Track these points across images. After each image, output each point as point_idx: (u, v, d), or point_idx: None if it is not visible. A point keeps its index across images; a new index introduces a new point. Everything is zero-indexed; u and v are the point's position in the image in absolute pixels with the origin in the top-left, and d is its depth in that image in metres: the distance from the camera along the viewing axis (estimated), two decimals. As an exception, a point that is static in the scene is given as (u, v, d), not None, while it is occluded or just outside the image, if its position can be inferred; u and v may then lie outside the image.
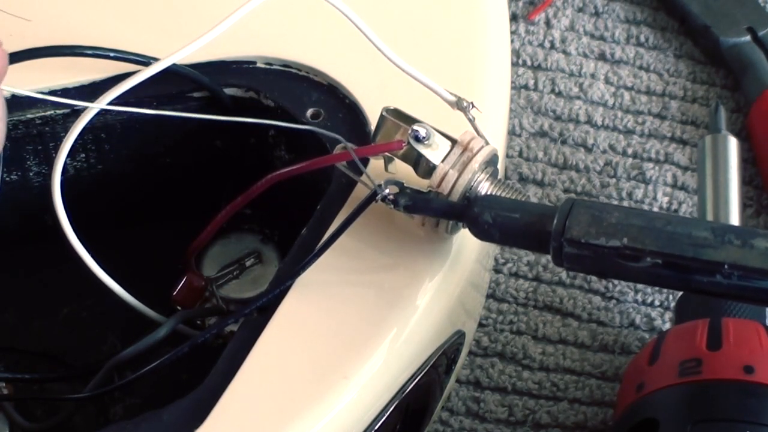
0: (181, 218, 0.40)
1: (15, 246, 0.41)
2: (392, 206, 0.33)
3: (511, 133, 0.55)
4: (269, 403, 0.32)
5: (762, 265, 0.28)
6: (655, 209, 0.53)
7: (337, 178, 0.36)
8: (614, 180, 0.54)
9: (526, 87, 0.57)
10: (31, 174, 0.40)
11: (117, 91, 0.36)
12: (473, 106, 0.35)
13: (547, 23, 0.59)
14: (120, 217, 0.43)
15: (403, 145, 0.34)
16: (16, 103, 0.37)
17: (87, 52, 0.38)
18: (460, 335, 0.38)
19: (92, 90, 0.38)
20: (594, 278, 0.51)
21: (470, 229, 0.33)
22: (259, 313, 0.34)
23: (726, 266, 0.29)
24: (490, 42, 0.41)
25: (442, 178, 0.33)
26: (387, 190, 0.33)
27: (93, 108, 0.36)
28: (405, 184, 0.33)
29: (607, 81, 0.57)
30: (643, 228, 0.30)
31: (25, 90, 0.36)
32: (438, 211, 0.33)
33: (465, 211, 0.33)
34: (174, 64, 0.36)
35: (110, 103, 0.36)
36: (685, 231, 0.30)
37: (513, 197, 0.34)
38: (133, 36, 0.39)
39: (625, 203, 0.53)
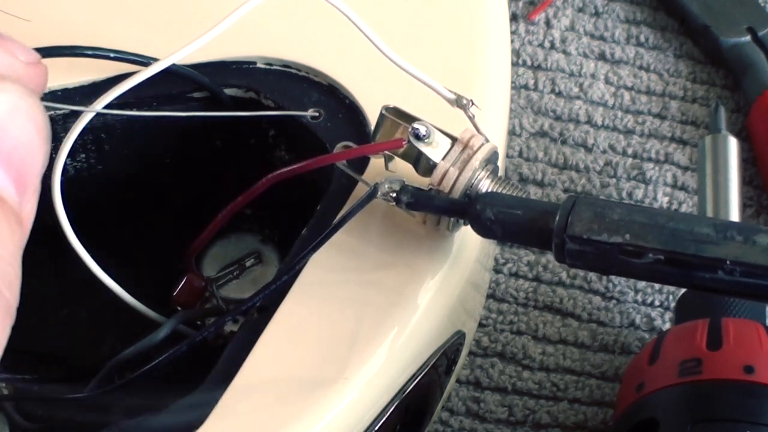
0: (181, 218, 0.40)
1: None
2: (394, 204, 0.33)
3: (511, 133, 0.55)
4: (270, 403, 0.32)
5: (764, 261, 0.28)
6: (655, 209, 0.53)
7: (337, 178, 0.36)
8: (614, 180, 0.54)
9: (526, 87, 0.57)
10: (31, 174, 0.40)
11: (116, 91, 0.36)
12: (473, 103, 0.35)
13: (547, 23, 0.59)
14: (120, 217, 0.43)
15: (404, 143, 0.34)
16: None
17: (87, 52, 0.38)
18: (460, 335, 0.38)
19: (92, 90, 0.38)
20: (594, 278, 0.51)
21: (472, 226, 0.33)
22: (259, 313, 0.34)
23: (728, 262, 0.29)
24: (490, 42, 0.41)
25: (443, 176, 0.33)
26: (388, 187, 0.33)
27: (90, 111, 0.36)
28: (406, 182, 0.33)
29: (607, 81, 0.57)
30: (645, 224, 0.30)
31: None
32: (440, 208, 0.33)
33: (467, 208, 0.33)
34: (174, 65, 0.36)
35: (108, 106, 0.36)
36: (687, 227, 0.30)
37: (513, 194, 0.34)
38: (133, 36, 0.39)
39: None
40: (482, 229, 0.33)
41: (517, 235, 0.32)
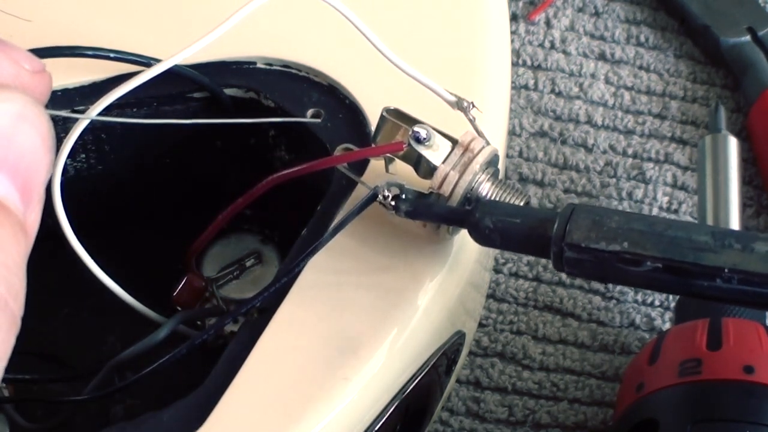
0: (181, 218, 0.40)
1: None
2: (393, 212, 0.33)
3: (511, 133, 0.55)
4: (270, 403, 0.32)
5: (762, 269, 0.28)
6: (655, 209, 0.53)
7: (337, 178, 0.36)
8: (614, 180, 0.54)
9: (526, 87, 0.57)
10: (31, 175, 0.39)
11: (117, 93, 0.36)
12: (473, 106, 0.34)
13: (547, 23, 0.59)
14: (120, 217, 0.43)
15: (404, 146, 0.34)
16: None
17: (87, 52, 0.38)
18: (460, 335, 0.38)
19: (92, 90, 0.38)
20: (594, 279, 0.51)
21: (471, 235, 0.33)
22: (259, 313, 0.34)
23: (726, 270, 0.29)
24: (490, 42, 0.41)
25: (443, 180, 0.33)
26: (387, 192, 0.33)
27: (86, 118, 0.36)
28: (406, 186, 0.33)
29: (607, 81, 0.57)
30: (643, 232, 0.30)
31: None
32: (439, 216, 0.33)
33: (466, 217, 0.33)
34: (174, 65, 0.36)
35: (109, 106, 0.36)
36: (685, 235, 0.30)
37: (514, 197, 0.34)
38: (133, 36, 0.39)
39: (625, 203, 0.53)
40: (481, 238, 0.33)
41: (515, 244, 0.32)
